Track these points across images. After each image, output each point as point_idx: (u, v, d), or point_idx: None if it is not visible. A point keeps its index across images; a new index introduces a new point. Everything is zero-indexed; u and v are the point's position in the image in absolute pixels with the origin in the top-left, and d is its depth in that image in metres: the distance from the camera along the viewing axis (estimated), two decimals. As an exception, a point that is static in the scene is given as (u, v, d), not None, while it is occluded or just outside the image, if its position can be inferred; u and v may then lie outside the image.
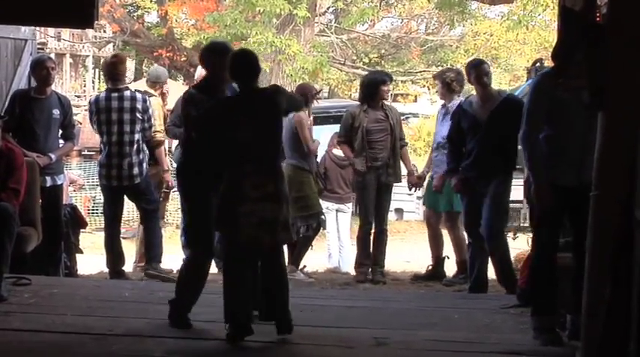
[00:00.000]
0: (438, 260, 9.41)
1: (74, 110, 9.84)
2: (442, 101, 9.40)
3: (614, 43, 4.46)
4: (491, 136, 7.80)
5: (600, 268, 4.65)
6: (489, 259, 8.02)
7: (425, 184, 9.70)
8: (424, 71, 28.52)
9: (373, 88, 9.35)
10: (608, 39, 4.47)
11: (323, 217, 10.80)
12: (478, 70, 8.17)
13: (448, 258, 9.38)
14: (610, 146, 4.65)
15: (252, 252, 5.72)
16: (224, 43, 6.58)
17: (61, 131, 8.53)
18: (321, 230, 9.78)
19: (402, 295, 8.24)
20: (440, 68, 28.73)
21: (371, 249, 9.33)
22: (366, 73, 16.73)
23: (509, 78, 30.59)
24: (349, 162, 9.68)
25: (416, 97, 35.96)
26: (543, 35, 23.53)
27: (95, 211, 16.05)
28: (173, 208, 14.91)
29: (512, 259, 8.23)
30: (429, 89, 34.23)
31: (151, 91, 9.66)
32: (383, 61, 28.39)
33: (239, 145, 5.68)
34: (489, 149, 7.83)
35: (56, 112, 8.42)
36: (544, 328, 5.63)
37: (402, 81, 28.40)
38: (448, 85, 9.12)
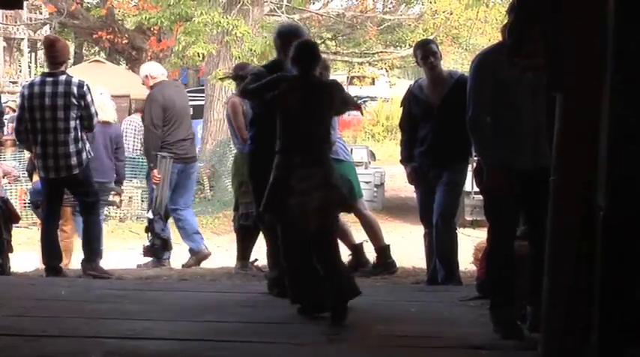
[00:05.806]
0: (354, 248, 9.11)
1: (10, 97, 9.70)
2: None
3: (570, 19, 4.46)
4: (445, 121, 7.75)
5: (561, 257, 4.66)
6: (436, 245, 7.95)
7: None
8: (382, 52, 28.49)
9: None
10: (565, 15, 4.47)
11: None
12: (424, 49, 8.10)
13: (367, 241, 9.22)
14: (570, 129, 4.62)
15: (304, 237, 6.12)
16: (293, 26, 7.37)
17: (-12, 120, 8.44)
18: None
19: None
20: (398, 49, 28.85)
21: None
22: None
23: (471, 58, 30.67)
24: None
25: (373, 79, 35.98)
26: (504, 12, 23.55)
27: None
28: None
29: (473, 248, 8.25)
30: (387, 71, 34.27)
31: None
32: (338, 42, 28.36)
33: (290, 131, 6.09)
34: (444, 136, 7.81)
35: (-18, 99, 8.33)
36: (504, 321, 5.64)
37: (358, 63, 28.37)
38: None
